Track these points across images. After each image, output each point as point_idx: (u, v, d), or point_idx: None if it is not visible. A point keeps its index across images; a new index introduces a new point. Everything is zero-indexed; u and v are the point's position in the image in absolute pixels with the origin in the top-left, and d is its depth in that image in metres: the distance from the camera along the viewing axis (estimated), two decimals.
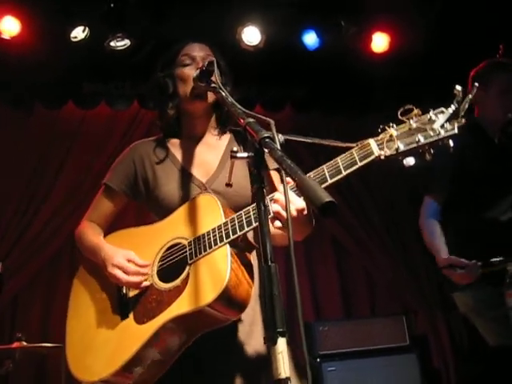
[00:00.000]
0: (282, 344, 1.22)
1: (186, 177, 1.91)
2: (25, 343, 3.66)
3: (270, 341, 1.22)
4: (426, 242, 2.97)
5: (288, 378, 1.21)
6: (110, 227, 2.07)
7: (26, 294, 4.79)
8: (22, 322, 4.60)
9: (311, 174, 1.60)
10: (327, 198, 1.08)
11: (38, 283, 4.84)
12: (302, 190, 1.13)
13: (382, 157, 1.54)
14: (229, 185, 1.59)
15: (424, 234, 2.99)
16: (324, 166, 1.59)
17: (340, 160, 1.57)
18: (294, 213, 1.55)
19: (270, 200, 1.57)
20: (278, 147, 1.26)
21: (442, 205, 2.95)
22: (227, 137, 2.03)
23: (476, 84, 1.65)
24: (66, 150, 5.06)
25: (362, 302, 5.49)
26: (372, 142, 1.56)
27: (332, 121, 5.63)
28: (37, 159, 4.99)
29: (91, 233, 1.99)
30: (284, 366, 1.21)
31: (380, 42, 4.92)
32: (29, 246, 4.79)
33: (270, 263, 1.26)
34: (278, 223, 1.52)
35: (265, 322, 1.82)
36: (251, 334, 1.80)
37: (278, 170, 1.90)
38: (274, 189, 1.82)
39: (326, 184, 1.57)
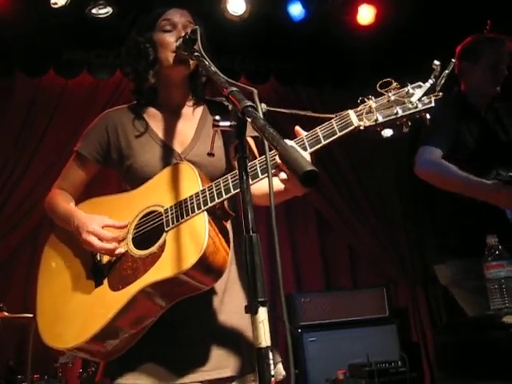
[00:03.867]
0: (263, 313, 1.22)
1: (161, 147, 1.89)
2: (6, 313, 3.66)
3: (251, 310, 1.23)
4: (448, 181, 2.73)
5: (269, 347, 1.22)
6: (85, 194, 2.03)
7: (7, 265, 4.77)
8: (4, 292, 4.58)
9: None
10: (309, 166, 1.08)
11: (19, 255, 4.82)
12: (283, 158, 1.13)
13: (362, 127, 1.56)
14: (211, 154, 1.58)
15: (439, 174, 2.75)
16: (303, 136, 1.59)
17: (319, 130, 1.57)
18: None
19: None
20: (261, 116, 1.25)
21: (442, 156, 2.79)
22: (201, 107, 2.01)
23: (453, 60, 1.66)
24: (47, 120, 4.99)
25: (344, 274, 5.56)
26: (351, 112, 1.57)
27: (316, 93, 5.62)
28: (18, 128, 4.92)
29: (62, 200, 1.96)
30: (265, 335, 1.22)
31: (366, 13, 4.89)
32: (10, 218, 4.75)
33: (251, 233, 1.25)
34: (283, 175, 1.52)
35: (242, 291, 1.84)
36: (223, 301, 1.81)
37: (254, 137, 1.90)
38: (253, 155, 1.83)
39: (305, 153, 1.57)
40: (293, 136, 1.61)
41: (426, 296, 5.46)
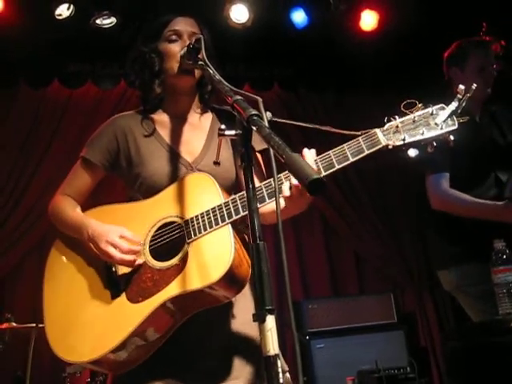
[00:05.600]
0: (270, 321, 1.22)
1: (172, 155, 1.88)
2: (14, 324, 3.66)
3: (259, 318, 1.22)
4: (464, 210, 2.79)
5: (277, 355, 1.21)
6: (91, 201, 2.02)
7: (14, 276, 4.77)
8: (11, 303, 4.58)
9: (317, 159, 1.64)
10: (315, 175, 1.08)
11: (26, 265, 4.81)
12: (289, 167, 1.13)
13: (390, 146, 1.62)
14: (217, 163, 1.58)
15: (454, 206, 2.82)
16: (331, 152, 1.64)
17: (347, 147, 1.63)
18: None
19: (285, 177, 1.63)
20: (266, 125, 1.25)
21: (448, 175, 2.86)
22: (210, 116, 2.00)
23: (474, 85, 1.71)
24: (52, 130, 5.00)
25: (351, 280, 5.53)
26: (378, 131, 1.63)
27: (320, 99, 5.62)
28: (23, 139, 4.93)
29: (69, 208, 1.94)
30: (273, 343, 1.21)
31: (369, 19, 4.89)
32: (17, 228, 4.76)
33: (258, 241, 1.25)
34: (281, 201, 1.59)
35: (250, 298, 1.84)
36: (234, 312, 1.81)
37: (260, 152, 1.90)
38: (261, 170, 1.83)
39: (334, 169, 1.63)
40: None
41: (434, 300, 5.43)
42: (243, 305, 1.82)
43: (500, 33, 3.11)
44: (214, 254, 1.64)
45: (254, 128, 1.26)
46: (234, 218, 1.65)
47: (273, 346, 1.21)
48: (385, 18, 4.87)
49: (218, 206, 1.67)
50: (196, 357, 1.74)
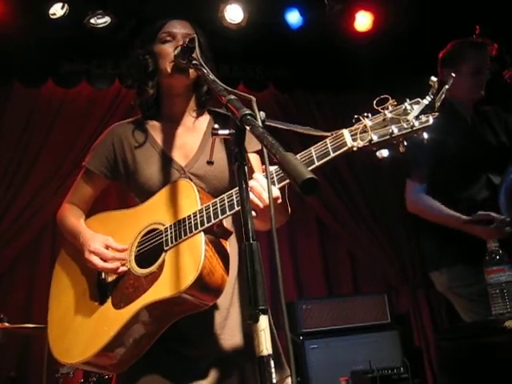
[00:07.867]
0: (264, 321, 1.22)
1: (165, 160, 1.90)
2: (7, 324, 3.64)
3: (252, 318, 1.22)
4: (432, 216, 2.89)
5: (270, 355, 1.21)
6: (92, 208, 2.07)
7: (7, 276, 4.75)
8: (4, 303, 4.56)
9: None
10: (308, 174, 1.07)
11: (19, 264, 4.81)
12: (283, 166, 1.13)
13: (355, 148, 1.51)
14: (210, 162, 1.59)
15: (424, 211, 2.92)
16: (298, 156, 1.56)
17: (313, 150, 1.55)
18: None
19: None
20: (260, 124, 1.25)
21: (426, 186, 2.94)
22: (206, 118, 2.00)
23: (453, 74, 1.65)
24: (46, 130, 4.98)
25: (345, 280, 5.54)
26: (346, 132, 1.52)
27: (315, 100, 5.63)
28: (17, 139, 4.91)
29: (72, 216, 1.99)
30: (266, 343, 1.21)
31: (363, 20, 4.91)
32: (10, 228, 4.74)
33: (251, 241, 1.25)
34: (252, 213, 1.51)
35: (244, 302, 1.84)
36: (227, 316, 1.81)
37: (257, 152, 1.91)
38: (253, 172, 1.83)
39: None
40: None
41: (428, 301, 5.44)
42: (237, 310, 1.83)
43: (493, 34, 3.10)
44: (186, 262, 1.65)
45: (248, 127, 1.26)
46: (206, 225, 1.64)
47: (266, 346, 1.21)
48: (379, 19, 4.89)
49: (193, 213, 1.68)
50: (190, 358, 1.75)
